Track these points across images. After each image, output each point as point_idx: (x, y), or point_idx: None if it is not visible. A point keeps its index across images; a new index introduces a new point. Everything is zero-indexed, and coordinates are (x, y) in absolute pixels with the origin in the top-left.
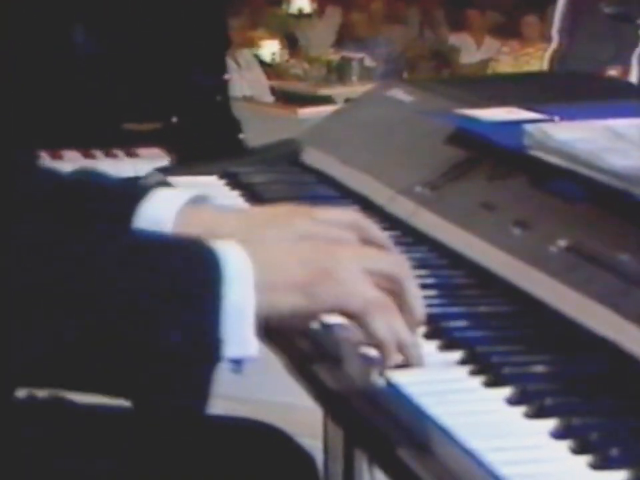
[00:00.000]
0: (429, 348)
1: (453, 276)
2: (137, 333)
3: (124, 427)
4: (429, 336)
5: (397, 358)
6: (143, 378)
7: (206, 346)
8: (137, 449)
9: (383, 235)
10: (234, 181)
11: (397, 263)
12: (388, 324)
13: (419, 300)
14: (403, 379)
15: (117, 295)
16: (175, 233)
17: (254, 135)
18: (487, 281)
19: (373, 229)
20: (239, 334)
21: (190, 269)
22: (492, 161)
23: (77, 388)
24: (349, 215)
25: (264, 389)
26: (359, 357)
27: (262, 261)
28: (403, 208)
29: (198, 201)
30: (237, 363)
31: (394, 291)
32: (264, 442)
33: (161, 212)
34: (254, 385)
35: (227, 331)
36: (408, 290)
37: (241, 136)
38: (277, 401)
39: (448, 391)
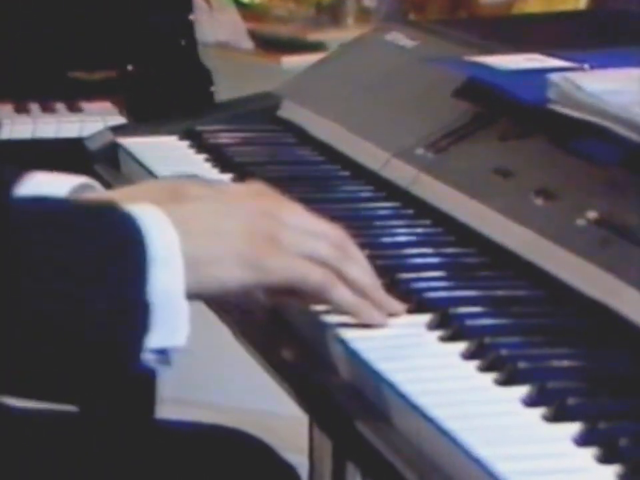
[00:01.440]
0: (432, 338)
1: (461, 254)
2: (52, 321)
3: (79, 432)
4: (432, 325)
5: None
6: (59, 374)
7: (127, 336)
8: (98, 458)
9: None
10: (198, 142)
11: (336, 244)
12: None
13: (362, 276)
14: (400, 376)
15: (32, 280)
16: (83, 200)
17: (229, 88)
18: (502, 261)
19: (357, 254)
20: (166, 322)
21: (106, 247)
22: (509, 117)
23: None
24: (334, 230)
25: (243, 396)
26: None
27: (195, 232)
28: (402, 174)
29: (86, 189)
30: (163, 353)
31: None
32: (240, 452)
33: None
34: (231, 391)
35: (151, 319)
36: (347, 273)
37: (212, 88)
38: (257, 409)
39: (453, 389)
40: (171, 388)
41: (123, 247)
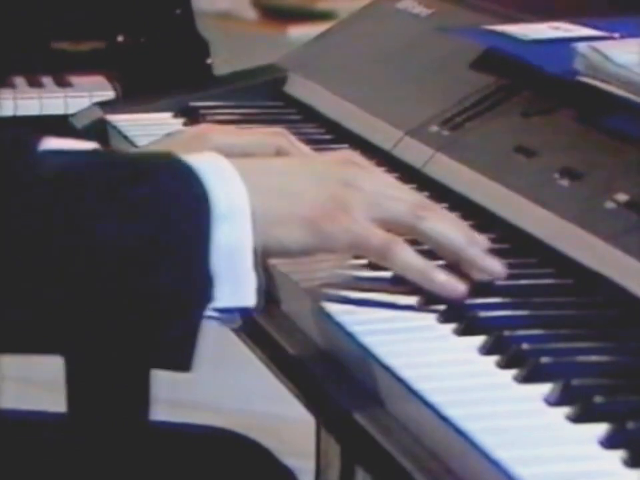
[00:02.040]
0: (446, 331)
1: None
2: (117, 280)
3: (72, 434)
4: (447, 317)
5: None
6: (122, 329)
7: (193, 296)
8: (90, 461)
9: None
10: (194, 119)
11: (416, 206)
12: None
13: (446, 233)
14: (412, 372)
15: (93, 239)
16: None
17: (229, 61)
18: (523, 247)
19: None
20: (232, 282)
21: (173, 205)
22: (532, 90)
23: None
24: (417, 196)
25: (246, 398)
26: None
27: (263, 188)
28: (416, 153)
29: None
30: (229, 312)
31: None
32: (236, 455)
33: None
34: (234, 393)
35: (216, 282)
36: (426, 230)
37: (209, 61)
38: (261, 411)
39: (470, 387)
40: (167, 389)
41: (184, 204)
